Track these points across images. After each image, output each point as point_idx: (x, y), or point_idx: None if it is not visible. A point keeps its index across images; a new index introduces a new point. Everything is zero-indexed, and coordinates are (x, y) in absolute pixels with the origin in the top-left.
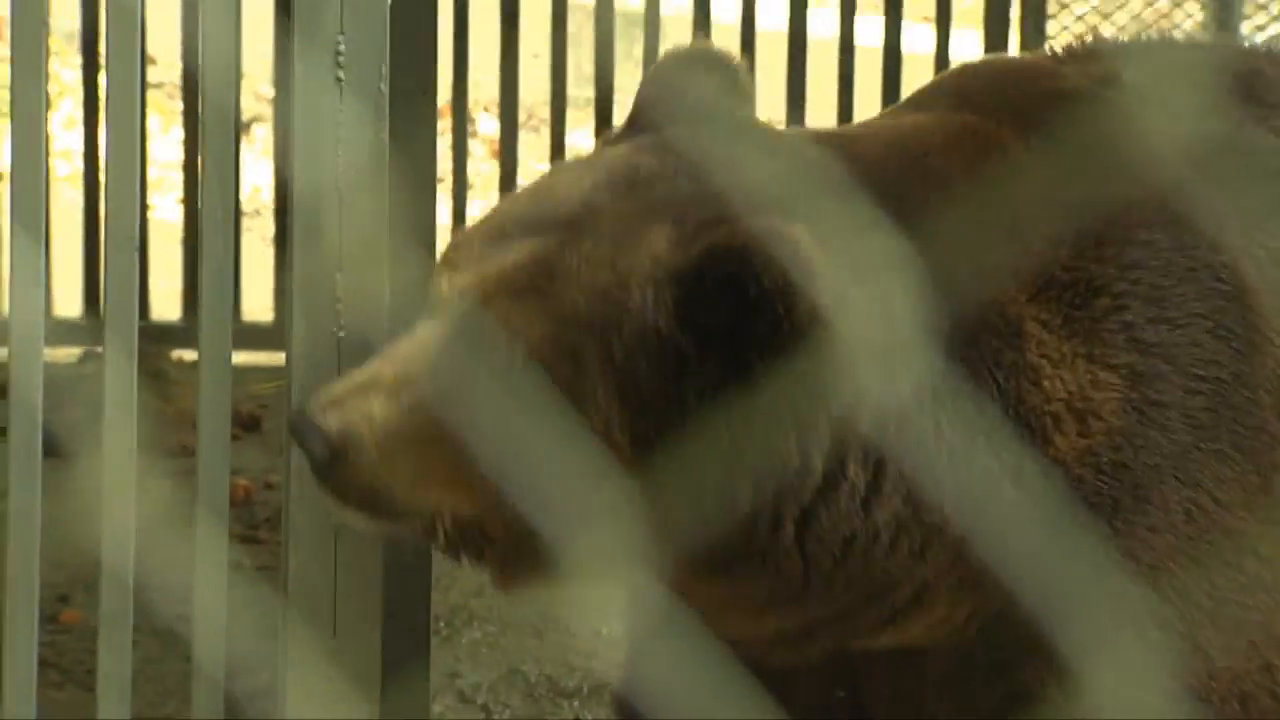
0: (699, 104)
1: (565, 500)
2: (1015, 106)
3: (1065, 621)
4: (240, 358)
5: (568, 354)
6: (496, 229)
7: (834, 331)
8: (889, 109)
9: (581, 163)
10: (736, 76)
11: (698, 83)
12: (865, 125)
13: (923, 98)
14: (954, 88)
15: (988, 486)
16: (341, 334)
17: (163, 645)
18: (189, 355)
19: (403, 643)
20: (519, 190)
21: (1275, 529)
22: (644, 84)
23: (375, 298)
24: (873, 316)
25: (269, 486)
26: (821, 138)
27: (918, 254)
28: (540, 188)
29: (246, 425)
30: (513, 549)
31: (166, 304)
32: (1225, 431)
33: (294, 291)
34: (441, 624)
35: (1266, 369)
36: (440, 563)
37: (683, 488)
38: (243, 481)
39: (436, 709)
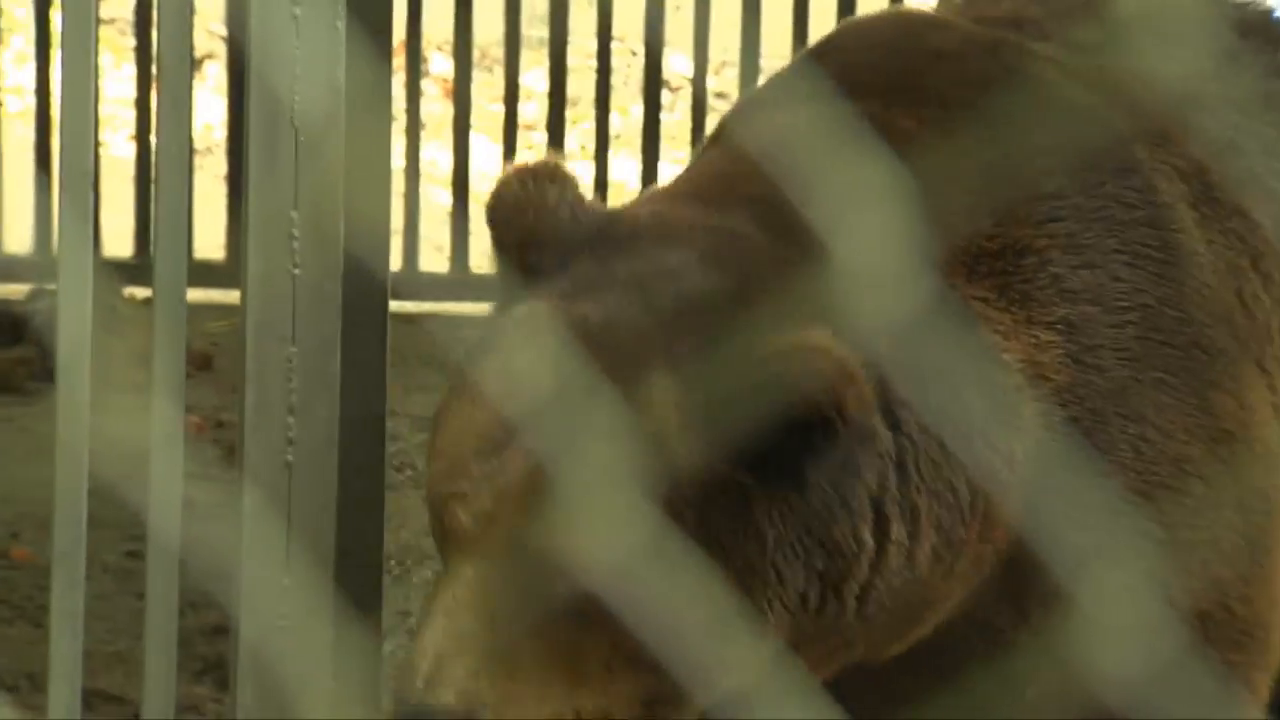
0: (571, 216)
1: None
2: (903, 81)
3: (1050, 567)
4: (193, 295)
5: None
6: (485, 440)
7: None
8: (756, 96)
9: (517, 335)
10: (574, 183)
11: (553, 195)
12: (733, 154)
13: (801, 83)
14: (834, 69)
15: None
16: (297, 272)
17: (115, 581)
18: (141, 292)
19: (355, 581)
20: (467, 390)
21: (1217, 448)
22: (503, 225)
23: (331, 236)
24: (871, 242)
25: (220, 425)
26: (699, 192)
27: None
28: (497, 379)
29: (199, 364)
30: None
31: (118, 241)
32: (1159, 357)
33: (249, 229)
34: (393, 563)
35: (1192, 282)
36: (393, 501)
37: (774, 604)
38: (195, 419)
39: (388, 648)
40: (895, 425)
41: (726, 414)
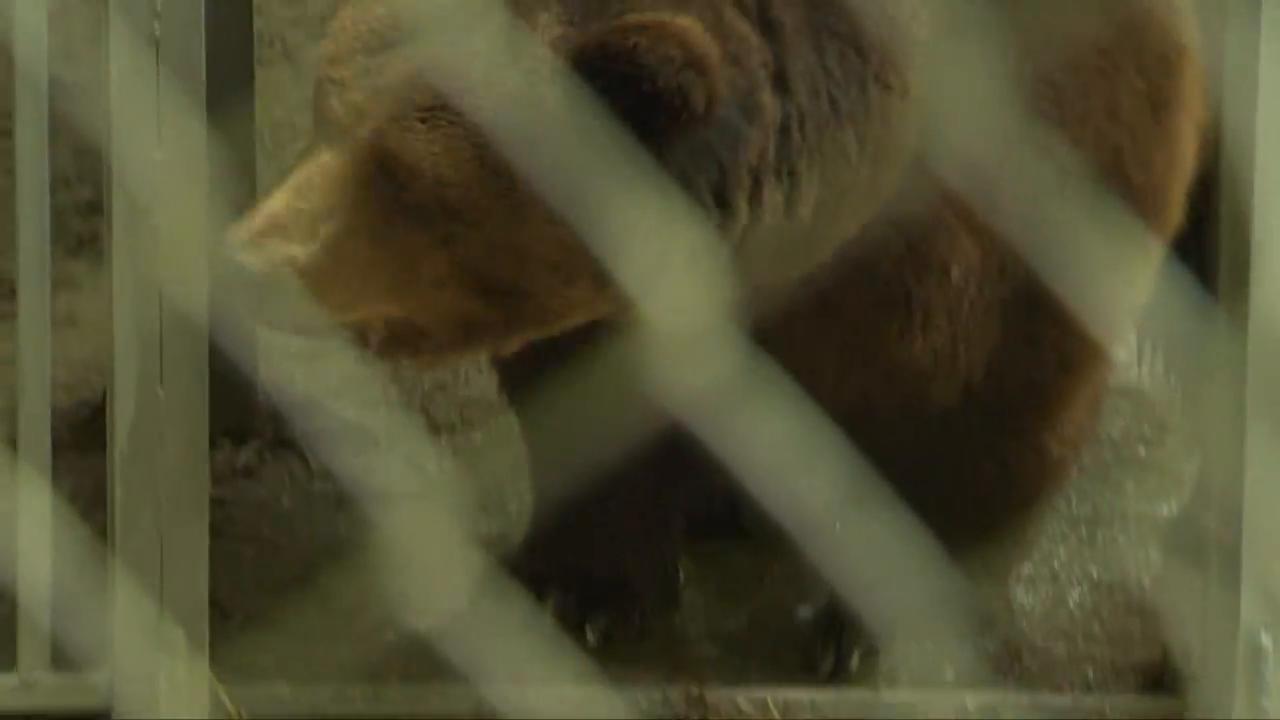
0: None
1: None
2: None
3: None
4: None
5: (493, 172)
6: (376, 35)
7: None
8: None
9: None
10: None
11: None
12: None
13: None
14: None
15: None
16: None
17: None
18: None
19: (228, 158)
20: None
21: (1117, 21)
22: None
23: None
24: None
25: (86, 1)
26: None
27: None
28: None
29: None
30: (448, 337)
31: None
32: None
33: None
34: (266, 139)
35: None
36: (263, 76)
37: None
38: None
39: None
40: (786, 91)
41: (582, 74)
